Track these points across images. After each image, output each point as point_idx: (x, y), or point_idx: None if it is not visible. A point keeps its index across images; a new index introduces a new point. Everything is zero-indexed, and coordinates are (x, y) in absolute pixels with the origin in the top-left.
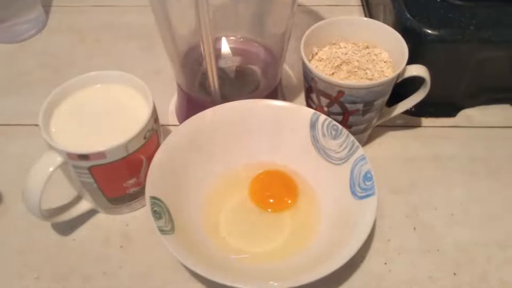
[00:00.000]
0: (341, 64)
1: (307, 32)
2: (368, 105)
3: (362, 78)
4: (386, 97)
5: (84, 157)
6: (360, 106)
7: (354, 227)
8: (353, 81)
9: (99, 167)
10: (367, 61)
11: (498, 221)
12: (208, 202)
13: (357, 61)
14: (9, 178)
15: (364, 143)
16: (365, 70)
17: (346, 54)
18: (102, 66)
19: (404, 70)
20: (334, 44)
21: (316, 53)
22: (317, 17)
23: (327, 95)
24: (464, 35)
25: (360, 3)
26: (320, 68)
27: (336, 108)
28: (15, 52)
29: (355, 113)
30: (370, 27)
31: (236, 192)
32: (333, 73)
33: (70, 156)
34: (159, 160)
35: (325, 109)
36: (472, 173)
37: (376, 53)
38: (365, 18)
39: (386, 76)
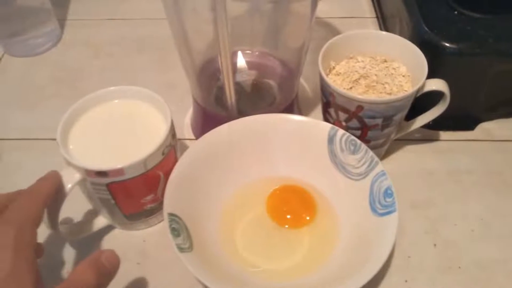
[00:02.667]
0: (359, 78)
1: (324, 47)
2: (387, 120)
3: (380, 93)
4: (405, 111)
5: (102, 173)
6: (379, 121)
7: (374, 246)
8: (372, 96)
9: (117, 183)
10: (386, 75)
11: None
12: (226, 217)
13: (375, 75)
14: None
15: (381, 157)
16: (383, 84)
17: (364, 68)
18: (117, 80)
19: (423, 85)
20: (351, 58)
21: (334, 67)
22: (332, 30)
23: (345, 110)
24: (482, 48)
25: (375, 15)
26: (338, 83)
27: (354, 123)
28: (30, 66)
29: (374, 128)
30: (387, 41)
31: (254, 207)
32: (351, 88)
33: (89, 173)
34: (176, 176)
35: (343, 123)
36: (491, 187)
37: (394, 67)
38: (383, 32)
39: (405, 91)
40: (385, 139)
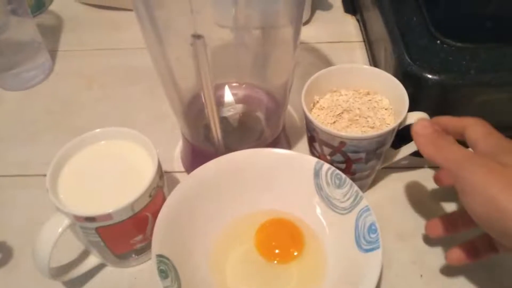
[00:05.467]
0: (342, 113)
1: (308, 82)
2: (370, 154)
3: (363, 127)
4: (388, 144)
5: (91, 219)
6: (362, 155)
7: (360, 282)
8: (354, 132)
9: (105, 227)
10: (368, 108)
11: (505, 266)
12: (215, 254)
13: (358, 109)
14: (20, 231)
15: (368, 186)
16: (366, 118)
17: (347, 101)
18: (109, 111)
19: (405, 118)
20: (335, 91)
21: (318, 102)
22: (320, 55)
23: (329, 145)
24: (464, 79)
25: (362, 39)
26: (321, 117)
27: (338, 157)
28: (23, 100)
29: (358, 161)
30: (370, 74)
31: (243, 242)
32: (334, 122)
33: (77, 218)
34: (164, 217)
35: (328, 157)
36: None
37: (377, 100)
38: (365, 66)
39: (388, 124)
40: (370, 170)
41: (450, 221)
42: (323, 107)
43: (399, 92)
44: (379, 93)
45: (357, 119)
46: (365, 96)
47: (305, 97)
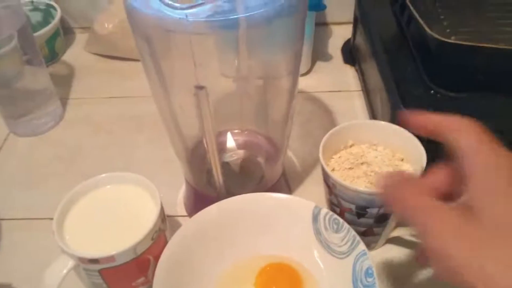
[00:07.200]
0: (362, 164)
1: (324, 139)
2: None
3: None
4: None
5: (94, 261)
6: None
7: None
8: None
9: (108, 269)
10: (388, 165)
11: None
12: None
13: (375, 163)
14: (26, 274)
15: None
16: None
17: (363, 155)
18: (114, 157)
19: None
20: (351, 146)
21: (332, 157)
22: (320, 103)
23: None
24: None
25: (360, 89)
26: (338, 175)
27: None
28: (33, 145)
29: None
30: (386, 130)
31: (243, 287)
32: (352, 181)
33: (81, 260)
34: (165, 260)
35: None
36: None
37: (397, 158)
38: (382, 122)
39: None
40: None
41: None
42: (335, 167)
43: (417, 151)
44: (397, 149)
45: (371, 175)
46: (384, 150)
47: (323, 153)
